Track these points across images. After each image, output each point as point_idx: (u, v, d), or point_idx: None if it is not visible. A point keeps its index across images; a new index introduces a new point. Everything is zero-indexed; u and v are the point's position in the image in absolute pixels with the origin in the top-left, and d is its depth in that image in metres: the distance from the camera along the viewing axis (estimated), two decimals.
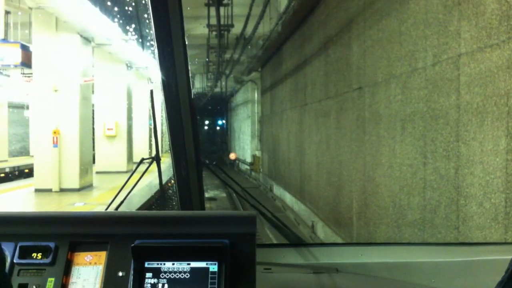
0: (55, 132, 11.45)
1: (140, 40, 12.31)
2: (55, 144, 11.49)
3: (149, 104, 1.72)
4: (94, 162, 15.18)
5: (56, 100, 11.38)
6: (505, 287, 0.95)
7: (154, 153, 1.77)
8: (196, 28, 14.82)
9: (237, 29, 13.94)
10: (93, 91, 17.18)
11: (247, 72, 21.98)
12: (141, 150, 18.22)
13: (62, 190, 11.66)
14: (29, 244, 1.18)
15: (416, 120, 4.69)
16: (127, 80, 15.73)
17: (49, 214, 1.30)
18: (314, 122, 9.63)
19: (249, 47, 16.44)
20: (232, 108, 32.10)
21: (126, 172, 14.79)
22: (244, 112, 25.02)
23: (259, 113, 22.03)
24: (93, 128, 16.76)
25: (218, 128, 43.22)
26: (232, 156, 27.16)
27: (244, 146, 25.15)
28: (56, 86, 11.31)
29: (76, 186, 11.74)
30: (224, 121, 39.33)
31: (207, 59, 20.30)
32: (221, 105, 35.72)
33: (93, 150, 16.23)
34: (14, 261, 1.16)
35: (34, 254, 1.18)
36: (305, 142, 10.61)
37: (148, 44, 12.43)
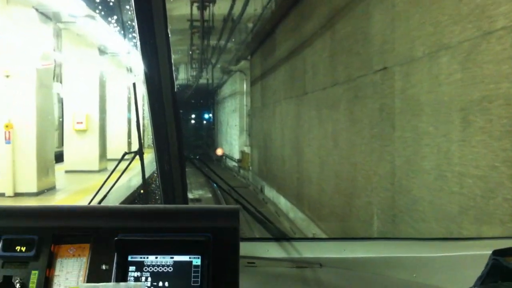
0: (7, 126, 9.63)
1: (120, 24, 10.91)
2: (8, 141, 9.67)
3: (132, 96, 1.81)
4: (63, 160, 13.48)
5: (8, 88, 9.55)
6: (484, 281, 1.00)
7: (133, 149, 1.78)
8: (178, 8, 13.03)
9: (224, 9, 12.23)
10: (61, 81, 15.43)
11: (235, 61, 20.28)
12: (118, 146, 16.40)
13: (17, 195, 9.87)
14: (13, 237, 1.19)
15: (494, 109, 3.10)
16: (100, 67, 13.82)
17: (32, 208, 1.31)
18: (316, 114, 8.02)
19: (237, 31, 14.75)
20: (219, 101, 30.28)
21: (99, 171, 12.98)
22: (232, 105, 23.31)
23: (248, 105, 20.40)
24: (62, 122, 15.04)
25: (204, 122, 41.41)
26: (219, 151, 25.45)
27: (232, 142, 23.46)
28: (8, 71, 9.48)
29: (34, 189, 9.94)
30: (210, 115, 37.52)
31: (190, 45, 18.54)
32: (207, 98, 33.90)
33: (62, 146, 14.62)
34: None
35: (18, 247, 1.18)
36: (304, 138, 9.00)
37: (130, 28, 10.81)
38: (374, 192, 5.24)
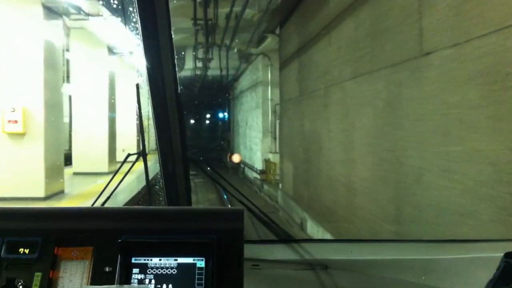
0: None
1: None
2: None
3: (136, 98, 1.69)
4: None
5: None
6: (496, 284, 0.97)
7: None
8: None
9: None
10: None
11: (257, 41, 15.53)
12: (93, 157, 11.96)
13: None
14: (16, 239, 1.18)
15: None
16: (44, 36, 8.82)
17: (35, 210, 1.27)
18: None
19: None
20: (236, 96, 25.42)
21: (44, 199, 8.31)
22: (252, 100, 18.50)
23: (274, 100, 15.57)
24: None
25: (219, 122, 36.74)
26: (236, 158, 20.61)
27: (252, 146, 18.65)
28: None
29: None
30: (225, 114, 32.74)
31: (194, 22, 13.92)
32: (221, 93, 29.15)
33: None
34: (2, 256, 1.15)
35: (21, 249, 1.16)
36: (400, 145, 4.23)
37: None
38: None
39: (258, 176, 16.48)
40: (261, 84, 16.12)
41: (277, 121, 15.60)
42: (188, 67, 19.48)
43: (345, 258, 1.52)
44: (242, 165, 20.79)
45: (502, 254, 1.03)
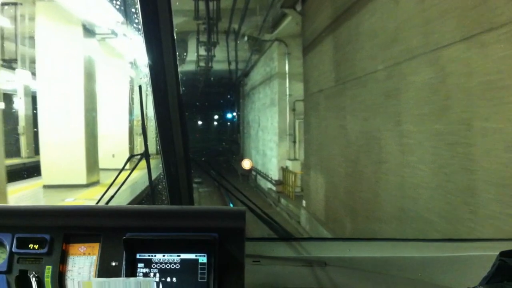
0: None
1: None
2: None
3: (137, 98, 1.67)
4: None
5: None
6: (490, 281, 0.99)
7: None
8: None
9: None
10: None
11: (271, 25, 12.89)
12: (66, 166, 9.40)
13: None
14: (26, 235, 1.20)
15: None
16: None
17: (44, 208, 1.28)
18: None
19: None
20: (246, 94, 22.65)
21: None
22: (266, 97, 15.79)
23: (292, 95, 12.90)
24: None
25: (227, 123, 34.07)
26: (246, 164, 17.87)
27: (266, 152, 15.94)
28: None
29: None
30: (234, 114, 30.01)
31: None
32: (229, 91, 26.46)
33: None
34: (13, 250, 1.18)
35: (31, 245, 1.19)
36: None
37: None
38: None
39: (274, 188, 13.78)
40: (277, 77, 13.42)
41: (297, 121, 12.87)
42: (190, 58, 16.79)
43: (344, 256, 1.56)
44: (253, 172, 18.11)
45: (497, 253, 1.04)
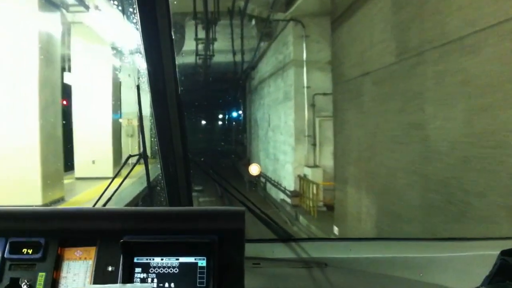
0: None
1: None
2: None
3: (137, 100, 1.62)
4: None
5: None
6: (492, 281, 0.96)
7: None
8: None
9: None
10: None
11: (284, 2, 10.60)
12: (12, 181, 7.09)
13: None
14: (20, 240, 1.17)
15: None
16: None
17: (38, 210, 1.25)
18: None
19: None
20: (254, 89, 20.20)
21: None
22: (278, 90, 13.42)
23: (311, 87, 10.53)
24: None
25: (228, 121, 31.74)
26: (254, 170, 15.36)
27: (278, 156, 13.56)
28: None
29: None
30: (239, 112, 27.63)
31: None
32: (234, 86, 24.08)
33: None
34: (5, 256, 1.15)
35: (24, 250, 1.16)
36: None
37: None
38: None
39: (288, 200, 11.44)
40: (293, 65, 11.09)
41: (317, 119, 10.50)
42: (189, 48, 14.39)
43: (345, 256, 1.53)
44: (262, 179, 15.76)
45: (498, 252, 1.02)
